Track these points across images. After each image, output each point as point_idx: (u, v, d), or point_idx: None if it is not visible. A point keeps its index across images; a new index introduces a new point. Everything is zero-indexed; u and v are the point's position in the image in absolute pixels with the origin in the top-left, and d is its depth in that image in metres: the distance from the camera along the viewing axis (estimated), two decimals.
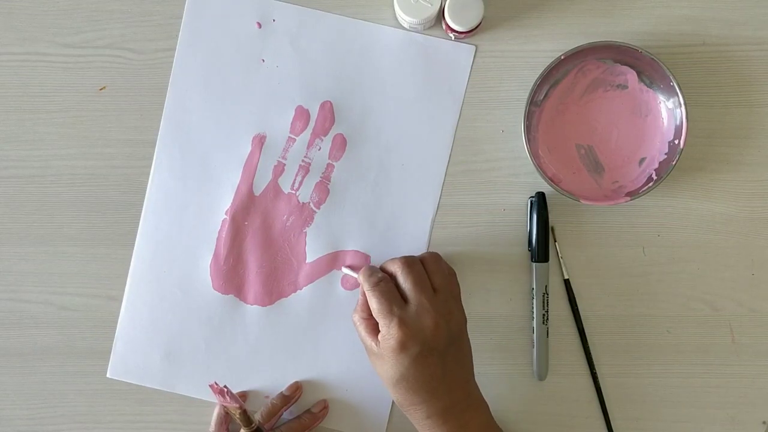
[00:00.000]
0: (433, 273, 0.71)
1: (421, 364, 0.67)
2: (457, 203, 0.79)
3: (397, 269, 0.70)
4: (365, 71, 0.79)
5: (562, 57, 0.74)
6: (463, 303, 0.77)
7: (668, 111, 0.76)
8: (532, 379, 0.79)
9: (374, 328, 0.70)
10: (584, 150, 0.78)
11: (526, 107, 0.75)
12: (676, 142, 0.75)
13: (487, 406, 0.72)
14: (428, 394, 0.68)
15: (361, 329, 0.71)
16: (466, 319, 0.72)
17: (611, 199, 0.75)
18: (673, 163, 0.74)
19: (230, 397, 0.71)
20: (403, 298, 0.69)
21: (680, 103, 0.74)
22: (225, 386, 0.71)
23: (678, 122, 0.75)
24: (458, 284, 0.73)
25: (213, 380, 0.72)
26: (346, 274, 0.79)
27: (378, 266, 0.73)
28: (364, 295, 0.71)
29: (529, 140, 0.75)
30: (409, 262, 0.70)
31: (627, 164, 0.78)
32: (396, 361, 0.67)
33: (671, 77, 0.73)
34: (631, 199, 0.74)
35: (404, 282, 0.69)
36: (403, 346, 0.67)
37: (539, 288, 0.78)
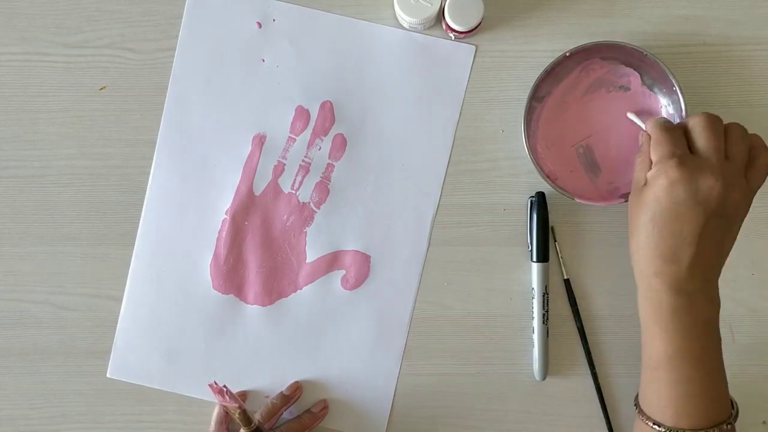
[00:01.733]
0: (733, 141, 0.66)
1: (677, 214, 0.64)
2: (457, 203, 0.79)
3: (696, 120, 0.66)
4: (365, 71, 0.79)
5: (567, 54, 0.74)
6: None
7: (669, 116, 0.76)
8: (532, 379, 0.79)
9: (650, 167, 0.67)
10: (582, 149, 0.78)
11: (527, 102, 0.75)
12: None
13: (718, 307, 0.67)
14: (669, 251, 0.64)
15: (638, 167, 0.68)
16: (745, 215, 0.67)
17: (606, 200, 0.75)
18: None
19: (229, 397, 0.71)
20: (692, 149, 0.65)
21: (681, 108, 0.74)
22: (224, 386, 0.71)
23: None
24: (764, 177, 0.67)
25: (212, 380, 0.72)
26: (633, 120, 0.74)
27: None
28: (647, 138, 0.68)
29: (528, 136, 0.75)
30: (712, 118, 0.66)
31: (624, 167, 0.77)
32: (655, 198, 0.64)
33: (674, 81, 0.73)
34: (625, 201, 0.74)
35: (700, 133, 0.65)
36: (670, 185, 0.63)
37: (539, 288, 0.78)
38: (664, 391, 0.67)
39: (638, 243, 0.66)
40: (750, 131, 0.78)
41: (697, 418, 0.66)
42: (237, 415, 0.72)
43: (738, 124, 0.67)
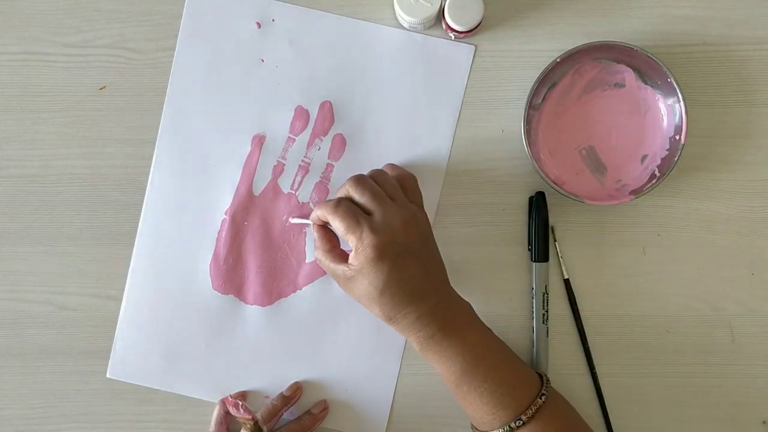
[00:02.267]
0: (383, 184, 0.71)
1: (402, 266, 0.67)
2: (457, 203, 0.79)
3: (349, 188, 0.70)
4: (365, 71, 0.79)
5: (558, 59, 0.74)
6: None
7: (667, 107, 0.76)
8: None
9: (341, 256, 0.70)
10: (585, 150, 0.78)
11: (524, 111, 0.75)
12: (677, 137, 0.75)
13: (470, 305, 0.72)
14: (413, 295, 0.68)
15: (328, 261, 0.71)
16: (430, 225, 0.72)
17: (615, 199, 0.75)
18: (676, 158, 0.74)
19: (244, 410, 0.72)
20: (365, 212, 0.69)
21: (679, 99, 0.74)
22: (238, 399, 0.72)
23: (677, 118, 0.75)
24: (419, 191, 0.73)
25: (223, 383, 0.72)
26: (294, 223, 0.79)
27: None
28: (319, 230, 0.72)
29: (529, 144, 0.75)
30: (358, 178, 0.70)
31: (629, 162, 0.78)
32: (377, 270, 0.67)
33: (669, 74, 0.73)
34: (635, 198, 0.74)
35: (361, 197, 0.69)
36: (381, 251, 0.67)
37: (539, 288, 0.78)
38: (476, 401, 0.69)
39: (386, 311, 0.69)
40: (750, 131, 0.79)
41: (514, 403, 0.68)
42: (249, 426, 0.73)
43: (377, 169, 0.73)
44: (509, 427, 0.68)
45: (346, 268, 0.69)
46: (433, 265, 0.70)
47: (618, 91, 0.77)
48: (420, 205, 0.73)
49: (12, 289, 0.80)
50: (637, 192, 0.75)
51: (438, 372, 0.71)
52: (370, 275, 0.67)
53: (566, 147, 0.78)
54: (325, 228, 0.72)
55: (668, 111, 0.76)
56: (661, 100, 0.76)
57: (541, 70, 0.74)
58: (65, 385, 0.80)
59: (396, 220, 0.68)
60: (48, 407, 0.80)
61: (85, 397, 0.80)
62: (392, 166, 0.74)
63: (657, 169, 0.76)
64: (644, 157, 0.77)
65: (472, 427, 0.72)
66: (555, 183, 0.75)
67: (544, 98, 0.77)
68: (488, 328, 0.72)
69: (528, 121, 0.75)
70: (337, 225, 0.68)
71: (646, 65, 0.75)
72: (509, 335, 0.79)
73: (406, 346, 0.79)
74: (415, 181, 0.73)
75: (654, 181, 0.75)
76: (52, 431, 0.80)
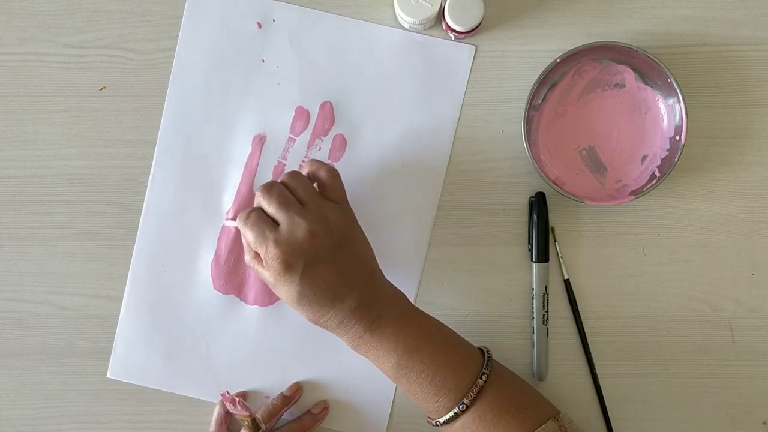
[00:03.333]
0: (295, 189, 0.70)
1: (311, 275, 0.67)
2: (457, 203, 0.79)
3: (258, 197, 0.70)
4: (365, 72, 0.79)
5: (558, 60, 0.74)
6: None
7: (667, 107, 0.76)
8: (532, 379, 0.79)
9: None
10: (586, 151, 0.78)
11: (525, 112, 0.75)
12: (677, 138, 0.75)
13: (403, 294, 0.72)
14: (330, 300, 0.68)
15: (257, 266, 0.70)
16: (353, 217, 0.72)
17: (616, 199, 0.75)
18: (676, 159, 0.74)
19: (241, 406, 0.72)
20: (275, 221, 0.69)
21: (679, 99, 0.74)
22: (236, 395, 0.72)
23: (677, 118, 0.75)
24: (340, 184, 0.72)
25: (223, 383, 0.72)
26: (228, 227, 0.79)
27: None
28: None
29: (530, 144, 0.75)
30: (267, 186, 0.70)
31: (629, 162, 0.78)
32: (288, 281, 0.67)
33: (669, 74, 0.73)
34: (635, 198, 0.74)
35: (269, 206, 0.69)
36: (286, 265, 0.66)
37: (539, 288, 0.78)
38: (418, 391, 0.69)
39: (309, 317, 0.69)
40: (750, 131, 0.79)
41: (456, 386, 0.68)
42: (247, 423, 0.73)
43: (291, 171, 0.71)
44: (454, 412, 0.67)
45: (268, 276, 0.69)
46: (351, 265, 0.69)
47: (618, 91, 0.77)
48: (340, 199, 0.72)
49: (12, 289, 0.80)
50: (637, 192, 0.75)
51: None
52: (283, 285, 0.68)
53: (566, 147, 0.78)
54: None
55: (668, 111, 0.76)
56: (661, 100, 0.76)
57: (542, 71, 0.74)
58: (65, 386, 0.80)
59: (301, 230, 0.67)
60: (48, 407, 0.80)
61: (85, 397, 0.80)
62: (311, 162, 0.72)
63: (657, 170, 0.76)
64: (644, 157, 0.77)
65: (427, 417, 0.71)
66: (555, 183, 0.75)
67: (544, 98, 0.77)
68: (423, 315, 0.71)
69: (528, 122, 0.75)
70: (247, 237, 0.69)
71: (647, 65, 0.75)
72: (509, 336, 0.79)
73: None
74: (334, 175, 0.72)
75: (654, 181, 0.75)
76: (52, 431, 0.80)
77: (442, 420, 0.68)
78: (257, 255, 0.70)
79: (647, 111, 0.77)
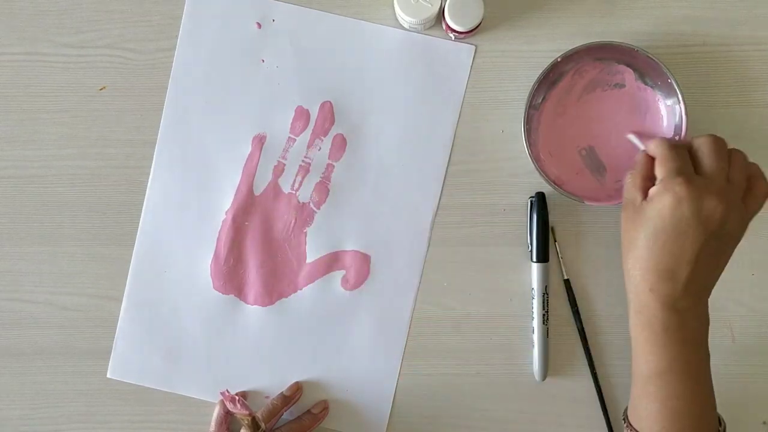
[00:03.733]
0: (734, 166, 0.67)
1: (682, 230, 0.64)
2: (457, 203, 0.79)
3: (702, 140, 0.67)
4: (365, 71, 0.79)
5: (559, 59, 0.74)
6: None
7: (667, 108, 0.76)
8: (532, 379, 0.79)
9: (645, 190, 0.67)
10: (585, 151, 0.78)
11: (525, 111, 0.75)
12: (677, 138, 0.75)
13: (707, 323, 0.68)
14: (665, 268, 0.65)
15: (631, 185, 0.68)
16: (740, 238, 0.67)
17: (615, 199, 0.75)
18: None
19: (241, 405, 0.72)
20: (696, 170, 0.66)
21: (679, 100, 0.74)
22: (236, 394, 0.72)
23: (677, 119, 0.75)
24: (761, 206, 0.68)
25: (223, 383, 0.72)
26: (632, 141, 0.75)
27: None
28: (645, 158, 0.69)
29: (530, 144, 0.75)
30: (718, 141, 0.67)
31: (628, 163, 0.77)
32: (658, 215, 0.64)
33: (669, 74, 0.73)
34: None
35: (707, 154, 0.66)
36: (677, 202, 0.63)
37: (539, 288, 0.78)
38: (653, 406, 0.67)
39: (636, 258, 0.66)
40: (750, 131, 0.79)
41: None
42: (246, 422, 0.73)
43: (741, 151, 0.68)
44: None
45: (639, 197, 0.66)
46: (703, 265, 0.65)
47: (618, 91, 0.77)
48: (749, 214, 0.67)
49: (12, 289, 0.80)
50: None
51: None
52: (649, 216, 0.65)
53: (566, 147, 0.78)
54: (650, 159, 0.69)
55: (668, 112, 0.76)
56: (661, 100, 0.76)
57: (542, 70, 0.74)
58: (65, 386, 0.80)
59: (712, 195, 0.63)
60: (48, 407, 0.80)
61: (85, 397, 0.80)
62: (757, 166, 0.68)
63: None
64: None
65: (625, 415, 0.70)
66: (555, 183, 0.75)
67: (544, 98, 0.77)
68: (708, 354, 0.68)
69: (528, 121, 0.75)
70: (662, 158, 0.66)
71: (647, 66, 0.75)
72: (509, 336, 0.79)
73: (406, 347, 0.79)
74: (765, 196, 0.68)
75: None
76: (52, 431, 0.80)
77: None
78: (645, 179, 0.67)
79: (647, 111, 0.77)
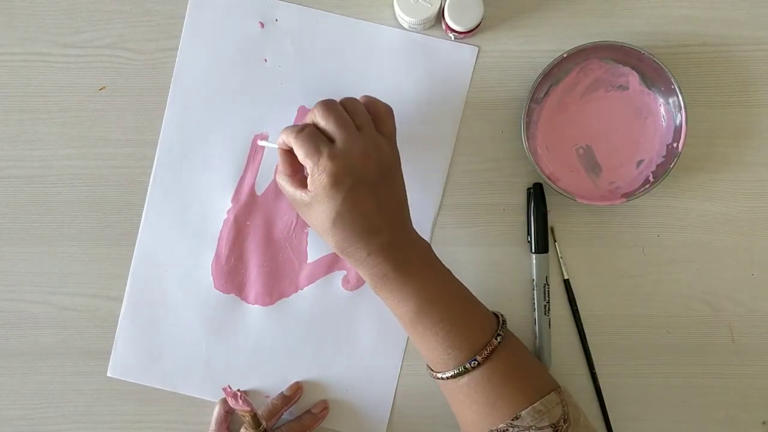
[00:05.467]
0: (353, 114, 0.69)
1: (355, 198, 0.67)
2: (457, 203, 0.79)
3: (314, 113, 0.69)
4: (367, 71, 0.79)
5: (565, 55, 0.74)
6: None
7: (668, 113, 0.76)
8: None
9: (302, 183, 0.70)
10: (583, 149, 0.78)
11: (526, 104, 0.75)
12: (675, 145, 0.75)
13: (429, 245, 0.71)
14: (365, 230, 0.67)
15: (288, 186, 0.70)
16: (398, 158, 0.71)
17: (607, 200, 0.75)
18: (671, 166, 0.74)
19: (243, 401, 0.72)
20: (328, 139, 0.68)
21: (680, 106, 0.74)
22: (238, 390, 0.72)
23: (677, 125, 0.75)
24: (394, 123, 0.72)
25: (223, 383, 0.72)
26: (263, 146, 0.78)
27: None
28: (283, 154, 0.71)
29: (528, 137, 0.75)
30: (326, 103, 0.69)
31: (625, 165, 0.78)
32: (330, 198, 0.67)
33: (673, 80, 0.74)
34: (627, 200, 0.74)
35: (326, 123, 0.68)
36: (335, 180, 0.66)
37: (540, 279, 0.78)
38: (431, 341, 0.69)
39: (338, 242, 0.68)
40: (750, 131, 0.79)
41: (469, 343, 0.68)
42: (248, 419, 0.73)
43: (349, 98, 0.71)
44: (464, 367, 0.67)
45: (303, 194, 0.69)
46: (391, 202, 0.69)
47: (621, 93, 0.77)
48: (390, 137, 0.71)
49: (12, 289, 0.80)
50: (629, 195, 0.75)
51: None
52: (323, 203, 0.67)
53: (564, 144, 0.78)
54: (289, 153, 0.71)
55: (669, 117, 0.76)
56: (662, 106, 0.76)
57: (541, 70, 0.74)
58: (65, 385, 0.80)
59: (356, 149, 0.67)
60: (48, 407, 0.80)
61: (85, 397, 0.80)
62: (367, 97, 0.72)
63: (651, 175, 0.76)
64: (640, 162, 0.77)
65: (428, 368, 0.71)
66: (549, 178, 0.75)
67: (546, 93, 0.77)
68: (446, 269, 0.71)
69: (528, 114, 0.75)
70: (297, 149, 0.68)
71: (652, 69, 0.75)
72: None
73: (407, 347, 0.79)
74: (389, 113, 0.71)
75: (647, 186, 0.75)
76: (52, 431, 0.80)
77: (448, 374, 0.68)
78: (295, 174, 0.70)
79: (648, 116, 0.77)
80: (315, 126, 0.69)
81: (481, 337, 0.68)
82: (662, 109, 0.77)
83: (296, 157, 0.69)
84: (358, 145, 0.67)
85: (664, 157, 0.76)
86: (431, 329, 0.68)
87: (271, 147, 0.77)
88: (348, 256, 0.69)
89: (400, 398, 0.79)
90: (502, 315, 0.72)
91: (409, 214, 0.71)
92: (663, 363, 0.79)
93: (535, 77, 0.75)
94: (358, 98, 0.71)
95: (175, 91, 0.79)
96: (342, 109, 0.69)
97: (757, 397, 0.79)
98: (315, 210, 0.68)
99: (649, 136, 0.77)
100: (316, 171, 0.66)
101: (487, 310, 0.72)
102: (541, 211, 0.77)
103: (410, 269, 0.68)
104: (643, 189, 0.75)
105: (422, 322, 0.68)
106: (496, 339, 0.68)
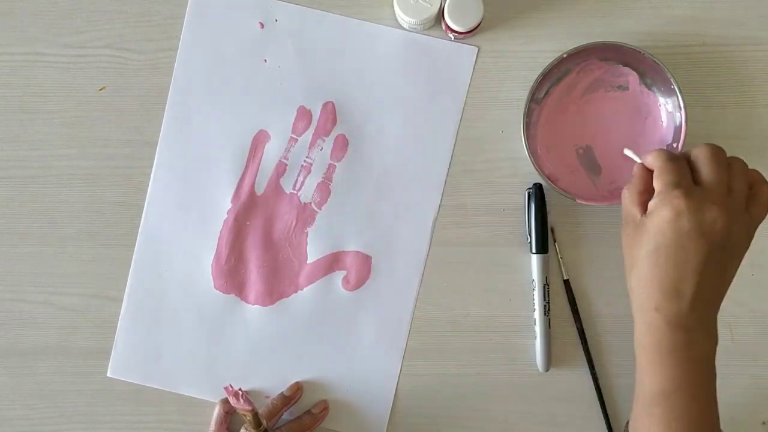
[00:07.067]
0: (734, 175, 0.64)
1: (683, 244, 0.62)
2: (457, 203, 0.79)
3: (700, 153, 0.64)
4: (367, 72, 0.79)
5: (565, 55, 0.74)
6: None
7: (668, 114, 0.76)
8: (533, 380, 0.79)
9: (643, 204, 0.65)
10: (582, 150, 0.78)
11: (526, 104, 0.75)
12: (675, 145, 0.75)
13: (715, 347, 0.65)
14: (673, 282, 0.62)
15: (629, 201, 0.66)
16: (747, 247, 0.65)
17: (607, 200, 0.75)
18: None
19: (244, 400, 0.71)
20: (694, 180, 0.64)
21: (680, 107, 0.74)
22: (239, 389, 0.72)
23: (677, 125, 0.75)
24: (766, 212, 0.65)
25: (223, 383, 0.71)
26: (628, 156, 0.72)
27: None
28: (641, 170, 0.67)
29: (528, 138, 0.75)
30: (716, 150, 0.64)
31: (624, 165, 0.77)
32: (660, 232, 0.62)
33: (672, 80, 0.74)
34: None
35: (703, 165, 0.63)
36: (677, 217, 0.61)
37: (540, 279, 0.78)
38: (656, 428, 0.64)
39: (639, 277, 0.64)
40: (750, 131, 0.79)
41: None
42: (248, 418, 0.73)
43: (740, 158, 0.66)
44: None
45: (638, 213, 0.64)
46: (715, 280, 0.63)
47: (621, 93, 0.77)
48: (754, 222, 0.65)
49: (12, 289, 0.80)
50: None
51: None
52: (650, 232, 0.63)
53: (564, 144, 0.78)
54: (648, 172, 0.67)
55: (668, 118, 0.76)
56: (662, 106, 0.76)
57: (543, 68, 0.74)
58: (65, 385, 0.80)
59: (713, 206, 0.61)
60: (47, 407, 0.80)
61: (85, 397, 0.80)
62: (758, 173, 0.66)
63: None
64: None
65: (626, 428, 0.68)
66: (549, 179, 0.75)
67: (546, 93, 0.77)
68: (713, 387, 0.65)
69: (528, 114, 0.75)
70: (662, 173, 0.64)
71: (651, 70, 0.75)
72: (510, 336, 0.79)
73: (407, 347, 0.79)
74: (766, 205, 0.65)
75: None
76: (52, 431, 0.80)
77: None
78: (643, 193, 0.65)
79: (648, 116, 0.77)
80: (688, 161, 0.65)
81: None
82: (662, 110, 0.77)
83: (651, 178, 0.65)
84: (718, 204, 0.62)
85: None
86: (668, 419, 0.63)
87: (634, 159, 0.71)
88: (633, 298, 0.65)
89: (400, 398, 0.79)
90: None
91: (718, 307, 0.65)
92: None
93: (535, 77, 0.75)
94: (747, 165, 0.66)
95: (175, 91, 0.79)
96: (726, 164, 0.64)
97: (756, 397, 0.79)
98: (639, 233, 0.64)
99: (649, 137, 0.77)
100: (663, 199, 0.62)
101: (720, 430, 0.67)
102: (541, 212, 0.77)
103: (685, 353, 0.63)
104: None
105: (664, 408, 0.63)
106: None
